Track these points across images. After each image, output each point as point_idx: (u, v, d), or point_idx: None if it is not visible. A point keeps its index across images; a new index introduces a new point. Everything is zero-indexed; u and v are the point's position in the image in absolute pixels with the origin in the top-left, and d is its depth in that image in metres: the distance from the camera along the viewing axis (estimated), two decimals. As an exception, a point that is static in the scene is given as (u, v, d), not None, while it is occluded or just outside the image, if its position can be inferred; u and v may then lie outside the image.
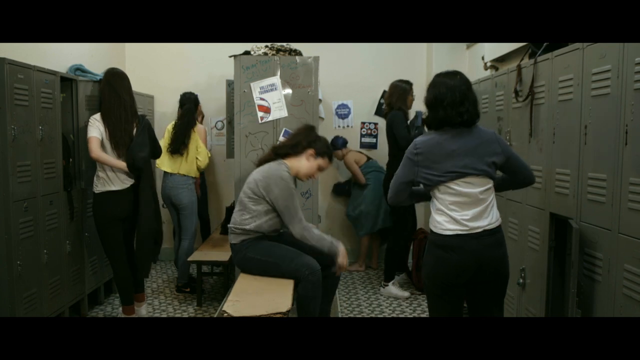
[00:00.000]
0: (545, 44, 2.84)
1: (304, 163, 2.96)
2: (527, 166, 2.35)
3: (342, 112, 5.31)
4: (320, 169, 3.00)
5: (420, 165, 2.20)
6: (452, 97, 2.17)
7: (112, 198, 3.29)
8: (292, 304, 2.49)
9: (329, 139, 5.13)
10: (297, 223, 2.80)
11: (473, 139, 2.19)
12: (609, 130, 2.19)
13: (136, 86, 4.81)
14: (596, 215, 2.30)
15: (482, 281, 2.25)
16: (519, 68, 3.05)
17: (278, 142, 3.12)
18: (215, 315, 3.73)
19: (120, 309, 3.54)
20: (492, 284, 2.28)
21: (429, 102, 2.26)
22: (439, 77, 2.27)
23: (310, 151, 2.95)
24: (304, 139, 2.98)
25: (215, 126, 5.30)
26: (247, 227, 2.86)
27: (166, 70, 5.22)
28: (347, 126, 5.29)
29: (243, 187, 2.96)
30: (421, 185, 2.31)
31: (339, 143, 4.92)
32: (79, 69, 3.88)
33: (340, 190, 5.16)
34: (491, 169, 2.20)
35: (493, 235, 2.21)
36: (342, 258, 2.84)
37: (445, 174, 2.17)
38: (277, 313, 2.22)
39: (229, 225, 2.98)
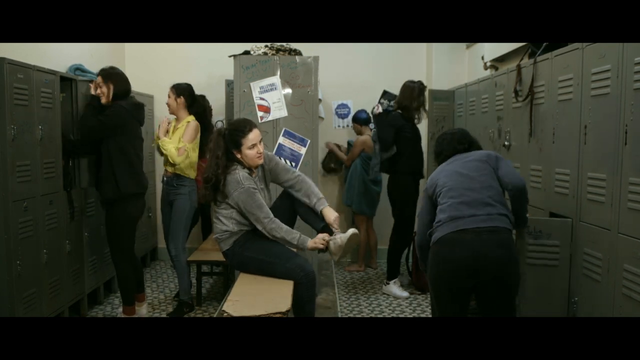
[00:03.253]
0: (544, 44, 2.84)
1: (244, 159, 2.81)
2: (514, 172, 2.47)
3: (342, 111, 5.31)
4: (252, 147, 2.77)
5: (429, 191, 2.51)
6: (450, 138, 2.64)
7: (140, 198, 3.45)
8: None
9: (331, 134, 5.25)
10: (262, 222, 2.71)
11: (469, 159, 2.49)
12: (609, 130, 2.19)
13: (136, 86, 4.81)
14: (596, 215, 2.31)
15: (485, 284, 2.25)
16: (519, 68, 3.05)
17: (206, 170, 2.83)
18: (215, 315, 3.73)
19: (120, 309, 3.54)
20: (495, 289, 2.27)
21: (439, 151, 2.67)
22: (445, 133, 2.75)
23: (234, 152, 2.80)
24: (216, 151, 2.78)
25: (215, 126, 5.29)
26: (231, 229, 2.81)
27: (166, 70, 5.21)
28: (347, 126, 5.29)
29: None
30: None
31: (360, 117, 4.91)
32: (78, 69, 3.89)
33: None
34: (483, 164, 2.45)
35: (494, 234, 2.23)
36: (313, 245, 2.75)
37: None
38: (276, 313, 2.22)
39: (214, 237, 2.92)
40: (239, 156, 2.80)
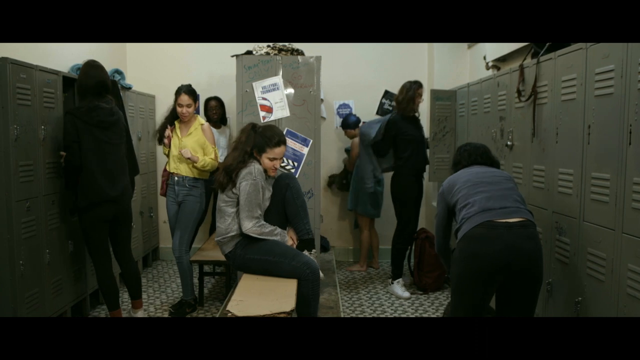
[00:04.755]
0: (547, 44, 2.84)
1: (262, 163, 2.91)
2: None
3: (344, 111, 5.30)
4: (272, 160, 2.89)
5: (446, 194, 2.54)
6: (473, 150, 2.68)
7: (105, 205, 3.18)
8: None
9: (333, 134, 5.24)
10: (251, 220, 2.78)
11: (490, 169, 2.55)
12: (613, 130, 2.19)
13: (137, 86, 4.84)
14: (600, 214, 2.31)
15: (514, 278, 2.29)
16: (522, 68, 3.05)
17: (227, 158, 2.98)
18: (217, 315, 3.73)
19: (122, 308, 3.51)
20: (523, 283, 2.30)
21: (458, 160, 2.70)
22: (467, 144, 2.80)
23: (255, 152, 2.90)
24: (245, 145, 2.90)
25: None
26: (233, 233, 2.86)
27: (167, 70, 5.22)
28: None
29: (218, 195, 2.94)
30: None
31: (351, 122, 4.92)
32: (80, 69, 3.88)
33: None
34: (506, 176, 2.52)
35: (524, 228, 2.27)
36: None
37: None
38: (281, 313, 2.22)
39: (216, 239, 2.96)
40: (257, 157, 2.90)
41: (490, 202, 2.33)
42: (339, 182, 5.23)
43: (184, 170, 3.67)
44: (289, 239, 2.94)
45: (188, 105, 3.65)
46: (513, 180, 2.54)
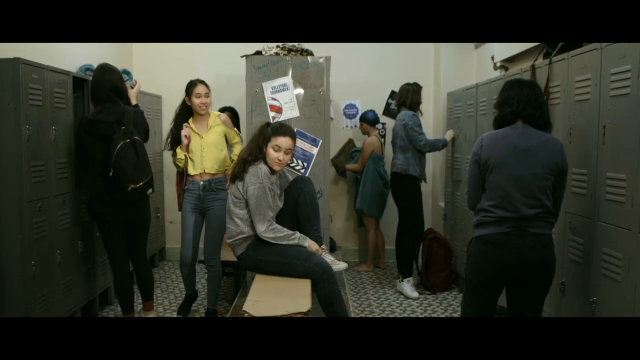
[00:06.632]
0: (560, 44, 2.83)
1: (267, 156, 2.91)
2: (561, 199, 2.47)
3: (350, 112, 5.31)
4: (276, 150, 2.86)
5: (482, 161, 2.36)
6: (528, 91, 2.37)
7: (104, 216, 3.19)
8: (312, 303, 2.49)
9: (339, 134, 5.24)
10: (264, 222, 2.79)
11: (532, 146, 2.32)
12: (629, 130, 2.19)
13: (144, 86, 4.82)
14: (615, 215, 2.30)
15: (524, 279, 2.33)
16: (533, 68, 3.05)
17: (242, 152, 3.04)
18: (228, 315, 3.73)
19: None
20: (533, 284, 2.35)
21: (505, 99, 2.41)
22: (518, 83, 2.45)
23: (263, 145, 2.93)
24: (258, 137, 2.94)
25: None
26: (245, 234, 2.87)
27: (174, 71, 5.21)
28: (355, 126, 5.28)
29: (227, 197, 2.95)
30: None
31: (369, 117, 4.89)
32: (89, 69, 3.88)
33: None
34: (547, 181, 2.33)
35: (539, 236, 2.30)
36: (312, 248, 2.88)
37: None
38: (297, 313, 2.22)
39: (227, 241, 2.96)
40: (264, 150, 2.91)
41: (514, 210, 2.30)
42: (341, 160, 5.11)
43: (210, 166, 3.41)
44: (311, 244, 2.88)
45: (206, 95, 3.45)
46: (560, 153, 2.34)
